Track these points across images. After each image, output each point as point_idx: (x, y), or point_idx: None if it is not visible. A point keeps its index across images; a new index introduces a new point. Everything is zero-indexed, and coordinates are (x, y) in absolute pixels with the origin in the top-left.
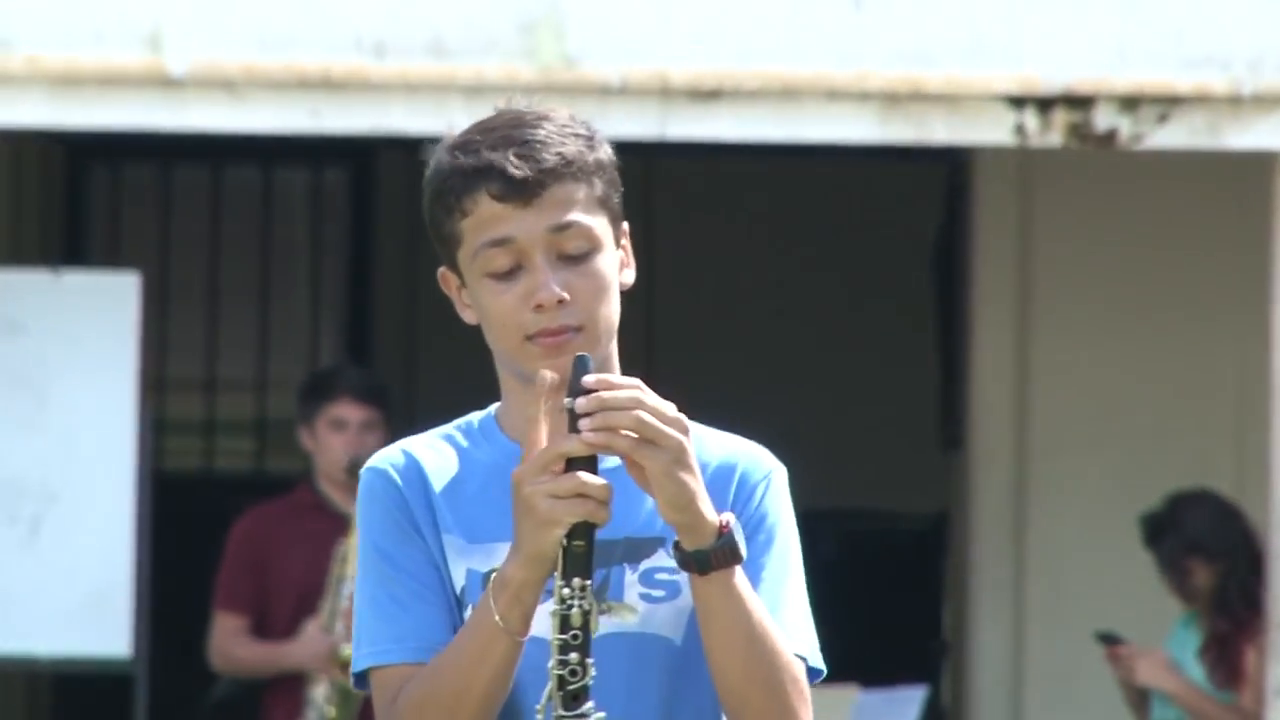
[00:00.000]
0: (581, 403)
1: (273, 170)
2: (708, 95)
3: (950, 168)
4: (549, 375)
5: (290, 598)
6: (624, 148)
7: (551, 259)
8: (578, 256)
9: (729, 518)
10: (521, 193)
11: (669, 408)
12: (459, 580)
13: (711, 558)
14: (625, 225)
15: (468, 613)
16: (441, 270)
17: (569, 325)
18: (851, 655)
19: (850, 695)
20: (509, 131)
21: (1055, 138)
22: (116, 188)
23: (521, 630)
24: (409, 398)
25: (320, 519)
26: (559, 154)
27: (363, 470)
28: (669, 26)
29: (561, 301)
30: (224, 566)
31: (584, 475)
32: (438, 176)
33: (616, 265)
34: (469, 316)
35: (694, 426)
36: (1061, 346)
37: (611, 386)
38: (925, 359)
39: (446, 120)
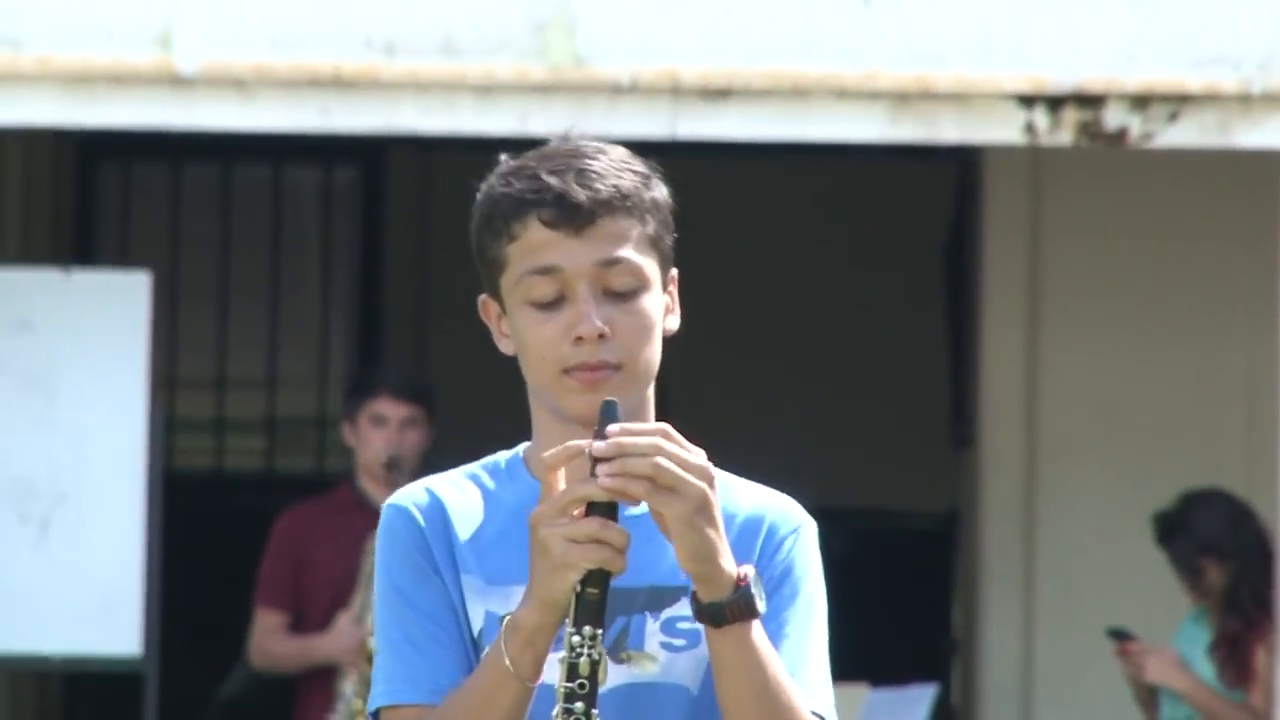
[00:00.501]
0: (600, 447)
1: (283, 169)
2: (718, 94)
3: (960, 166)
4: (572, 444)
5: (325, 594)
6: (633, 147)
7: (597, 293)
8: (624, 294)
9: (748, 571)
10: (573, 221)
11: (694, 456)
12: (477, 622)
13: (727, 610)
14: (675, 271)
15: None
16: (483, 297)
17: (608, 362)
18: (862, 653)
19: (860, 693)
20: (566, 160)
21: (1065, 136)
22: (127, 186)
23: (532, 676)
24: None
25: (359, 516)
26: (614, 186)
27: (385, 506)
28: (679, 26)
29: (603, 336)
30: (264, 564)
31: (602, 521)
32: (488, 200)
33: (661, 309)
34: (506, 347)
35: (724, 476)
36: (1071, 345)
37: (633, 432)
38: (936, 357)
39: (457, 119)
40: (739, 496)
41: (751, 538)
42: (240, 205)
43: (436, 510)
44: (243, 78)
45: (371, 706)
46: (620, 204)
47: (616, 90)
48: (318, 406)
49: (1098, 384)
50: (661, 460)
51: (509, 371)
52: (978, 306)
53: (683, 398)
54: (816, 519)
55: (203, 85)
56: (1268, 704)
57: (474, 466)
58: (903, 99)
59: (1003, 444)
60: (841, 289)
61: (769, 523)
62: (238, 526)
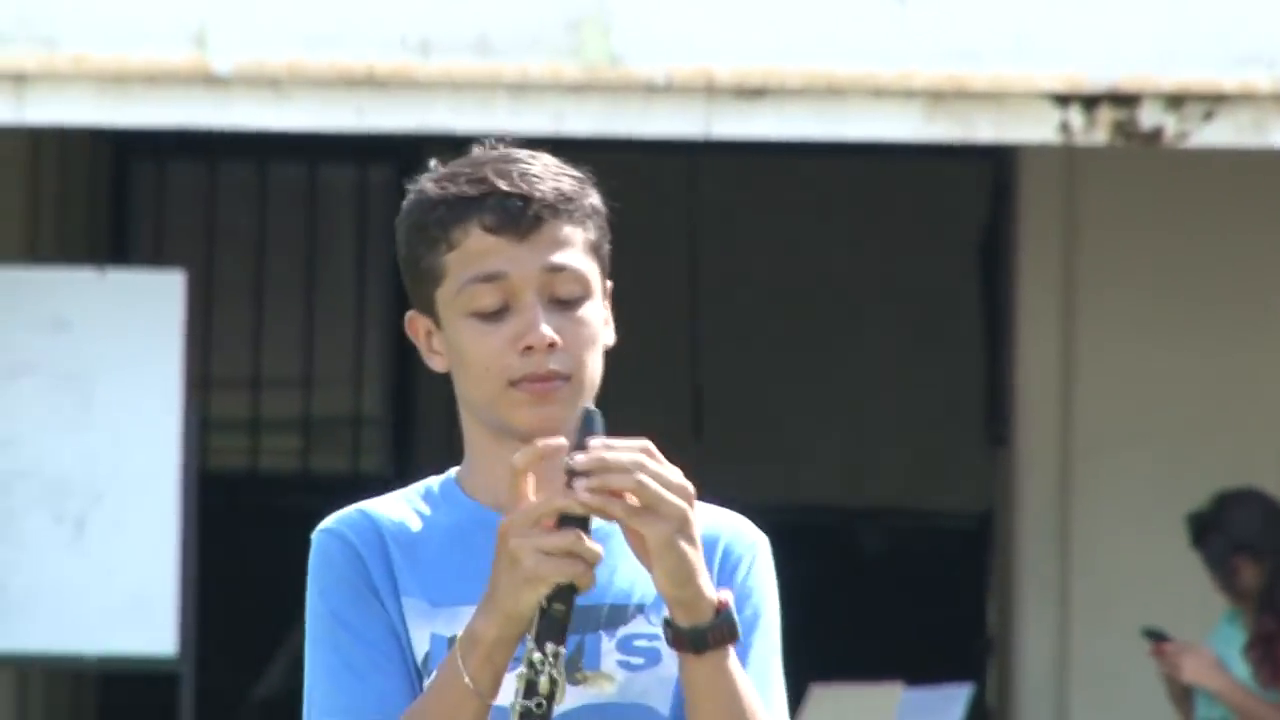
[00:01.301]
0: (581, 459)
1: (318, 168)
2: (753, 93)
3: (996, 164)
4: (541, 444)
5: None
6: (669, 146)
7: (544, 300)
8: (569, 301)
9: (728, 595)
10: (517, 225)
11: (674, 474)
12: (421, 646)
13: (709, 636)
14: (610, 283)
15: (429, 680)
16: (410, 314)
17: (558, 372)
18: (897, 653)
19: (895, 693)
20: (501, 165)
21: (1100, 136)
22: (162, 185)
23: (491, 692)
24: (450, 394)
25: None
26: (556, 189)
27: (316, 532)
28: (714, 24)
29: (552, 345)
30: None
31: (578, 534)
32: (420, 207)
33: (602, 318)
34: (438, 364)
35: None
36: (1107, 344)
37: (615, 447)
38: (971, 356)
39: (491, 118)
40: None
41: (708, 558)
42: (275, 204)
43: (371, 532)
44: (277, 77)
45: None
46: (564, 207)
47: (651, 89)
48: (353, 405)
49: (1132, 383)
50: (643, 477)
51: None
52: (1013, 305)
53: (718, 397)
54: (852, 520)
55: (238, 84)
56: None
57: (405, 491)
58: (938, 98)
59: (1037, 443)
60: (877, 288)
61: (724, 543)
62: (273, 526)
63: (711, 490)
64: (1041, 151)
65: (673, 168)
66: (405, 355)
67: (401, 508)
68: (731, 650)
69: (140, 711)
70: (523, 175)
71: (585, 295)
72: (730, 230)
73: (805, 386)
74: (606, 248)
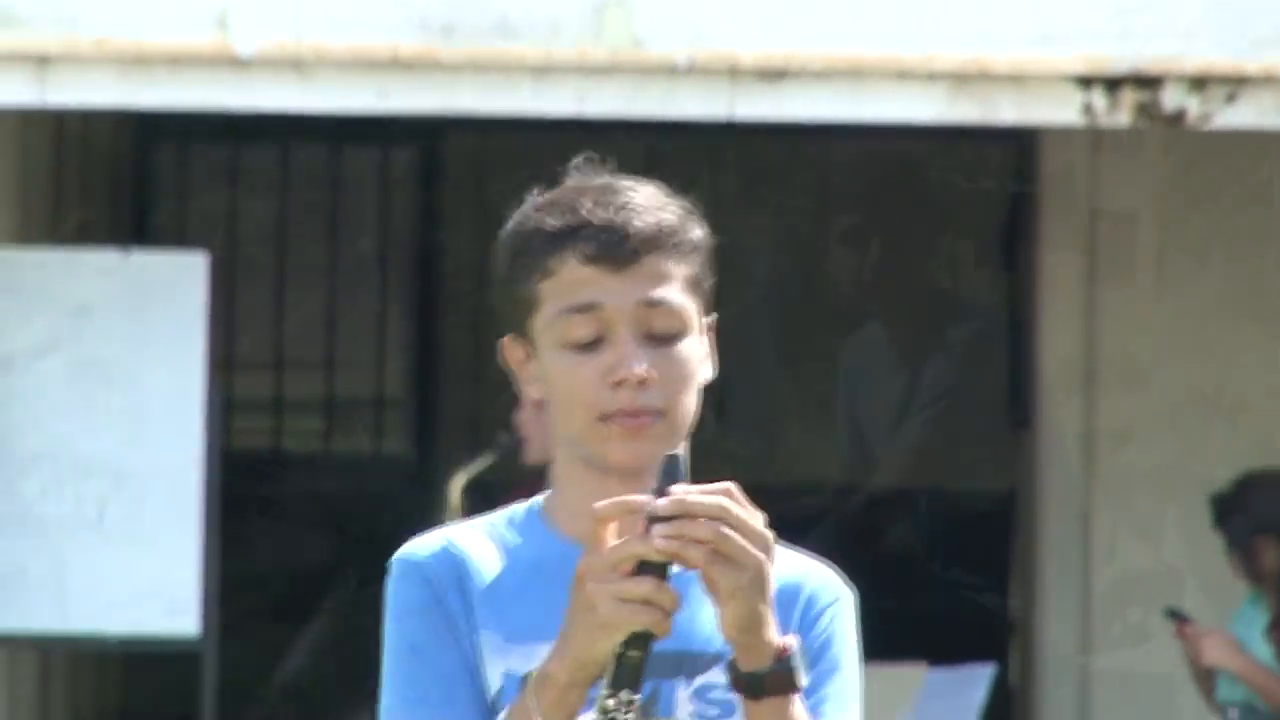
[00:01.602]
0: (663, 504)
1: (340, 150)
2: (775, 75)
3: (1019, 144)
4: (626, 500)
5: None
6: (692, 128)
7: (638, 335)
8: (665, 337)
9: (792, 642)
10: (615, 257)
11: (756, 521)
12: (494, 682)
13: (766, 681)
14: (713, 317)
15: (500, 718)
16: (506, 339)
17: (650, 407)
18: (919, 634)
19: (918, 674)
20: (603, 196)
21: (1123, 118)
22: (184, 168)
23: None
24: (477, 379)
25: None
26: (657, 222)
27: (396, 558)
28: (737, 7)
29: (644, 381)
30: None
31: (656, 582)
32: (520, 234)
33: (701, 355)
34: (533, 391)
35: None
36: (1129, 326)
37: (697, 493)
38: (995, 337)
39: (515, 100)
40: (778, 561)
41: (789, 606)
42: (297, 186)
43: (452, 563)
44: (300, 59)
45: None
46: (665, 241)
47: (674, 72)
48: (376, 388)
49: (1155, 365)
50: (724, 528)
51: None
52: (1035, 285)
53: (740, 384)
54: (877, 502)
55: (260, 67)
56: None
57: (490, 517)
58: (960, 80)
59: (1060, 425)
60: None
61: (808, 592)
62: (295, 508)
63: (731, 470)
64: (1066, 131)
65: (694, 151)
66: (427, 338)
67: (482, 537)
68: (796, 699)
69: (163, 694)
70: (623, 206)
71: (682, 331)
72: (751, 210)
73: (822, 370)
74: (708, 282)
